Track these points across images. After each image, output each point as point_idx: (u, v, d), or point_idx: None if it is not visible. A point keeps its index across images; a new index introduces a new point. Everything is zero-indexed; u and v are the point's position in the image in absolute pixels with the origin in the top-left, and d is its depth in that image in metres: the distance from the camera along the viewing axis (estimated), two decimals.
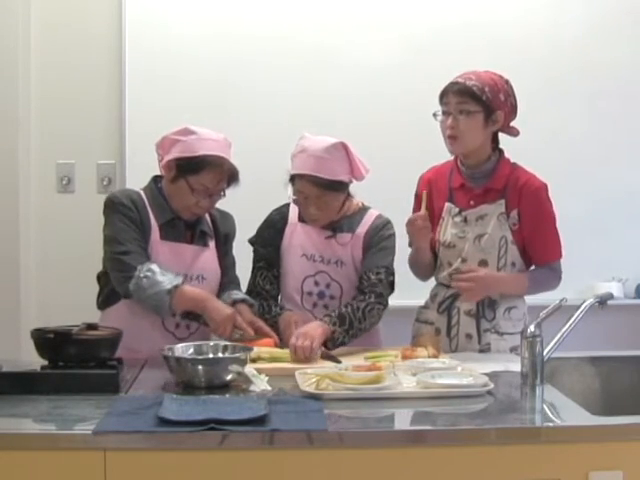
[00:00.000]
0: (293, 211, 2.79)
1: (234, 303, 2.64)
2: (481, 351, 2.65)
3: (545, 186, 2.66)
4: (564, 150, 3.67)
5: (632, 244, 3.72)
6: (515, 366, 2.28)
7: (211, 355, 2.31)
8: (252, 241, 2.81)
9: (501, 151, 2.71)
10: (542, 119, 3.55)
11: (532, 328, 2.19)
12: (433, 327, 2.74)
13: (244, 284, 2.81)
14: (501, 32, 3.64)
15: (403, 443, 1.84)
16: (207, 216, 2.73)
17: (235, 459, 1.79)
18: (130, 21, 3.56)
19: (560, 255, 2.69)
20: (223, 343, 2.36)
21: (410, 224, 2.67)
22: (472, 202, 2.67)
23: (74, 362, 2.17)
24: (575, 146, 3.69)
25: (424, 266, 2.79)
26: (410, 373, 2.24)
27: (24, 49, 3.54)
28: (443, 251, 2.73)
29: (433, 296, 2.79)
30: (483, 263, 2.65)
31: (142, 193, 2.65)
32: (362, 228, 2.74)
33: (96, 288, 2.69)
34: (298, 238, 2.75)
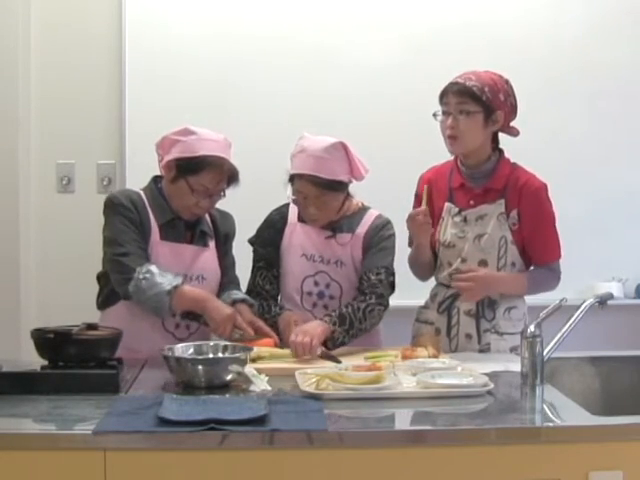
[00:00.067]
0: (293, 211, 2.78)
1: (234, 303, 2.64)
2: (481, 351, 2.65)
3: (545, 186, 2.66)
4: (564, 150, 3.66)
5: (632, 244, 3.72)
6: (515, 366, 2.28)
7: (211, 355, 2.31)
8: (252, 241, 2.81)
9: (501, 151, 2.71)
10: (542, 119, 3.55)
11: (532, 328, 2.19)
12: (433, 327, 2.74)
13: (244, 284, 2.81)
14: (501, 32, 3.63)
15: (403, 443, 1.84)
16: (207, 216, 2.73)
17: (235, 459, 1.79)
18: (130, 21, 3.56)
19: (559, 255, 2.70)
20: (223, 343, 2.36)
21: (411, 219, 2.66)
22: (472, 202, 2.67)
23: (74, 362, 2.17)
24: (575, 146, 3.69)
25: (424, 265, 2.79)
26: (410, 373, 2.24)
27: (24, 49, 3.54)
28: (443, 251, 2.73)
29: (433, 296, 2.79)
30: (483, 263, 2.65)
31: (142, 193, 2.65)
32: (362, 228, 2.74)
33: (96, 288, 2.69)
34: (298, 238, 2.75)
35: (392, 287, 2.71)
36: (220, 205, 2.72)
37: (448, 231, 2.71)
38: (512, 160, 2.71)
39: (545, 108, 3.60)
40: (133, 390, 2.15)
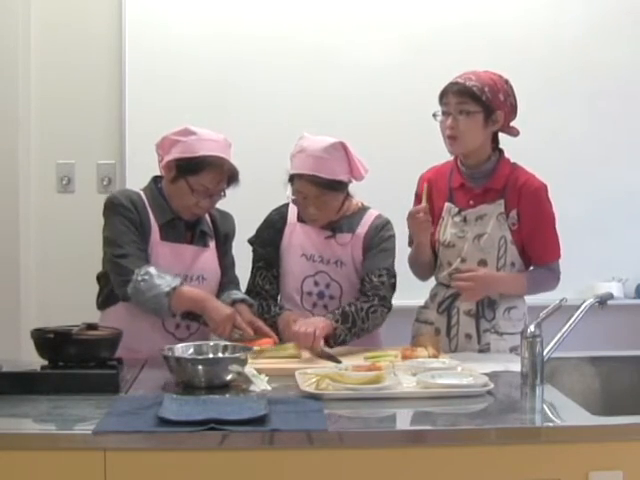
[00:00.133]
0: (292, 211, 2.78)
1: (234, 303, 2.64)
2: (481, 351, 2.65)
3: (545, 186, 2.66)
4: (564, 150, 3.66)
5: (632, 244, 3.72)
6: (515, 366, 2.28)
7: (211, 355, 2.31)
8: (251, 241, 2.81)
9: (501, 151, 2.71)
10: (542, 119, 3.55)
11: (532, 328, 2.19)
12: (433, 327, 2.74)
13: (243, 284, 2.81)
14: (501, 32, 3.63)
15: (403, 443, 1.84)
16: (207, 216, 2.73)
17: (235, 459, 1.79)
18: (130, 21, 3.56)
19: (559, 256, 2.70)
20: (223, 343, 2.36)
21: (411, 217, 2.66)
22: (472, 202, 2.67)
23: (74, 362, 2.17)
24: (575, 146, 3.69)
25: (424, 264, 2.79)
26: (410, 373, 2.24)
27: (24, 49, 3.54)
28: (443, 251, 2.73)
29: (433, 296, 2.79)
30: (482, 263, 2.65)
31: (142, 194, 2.65)
32: (362, 228, 2.74)
33: (96, 288, 2.69)
34: (297, 238, 2.75)
35: (393, 288, 2.72)
36: (220, 205, 2.72)
37: (448, 231, 2.71)
38: (512, 160, 2.71)
39: (545, 108, 3.60)
40: (133, 390, 2.15)
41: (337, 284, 2.72)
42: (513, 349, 2.61)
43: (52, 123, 3.61)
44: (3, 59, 3.49)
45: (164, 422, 1.80)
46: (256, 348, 2.39)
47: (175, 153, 2.58)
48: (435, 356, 2.45)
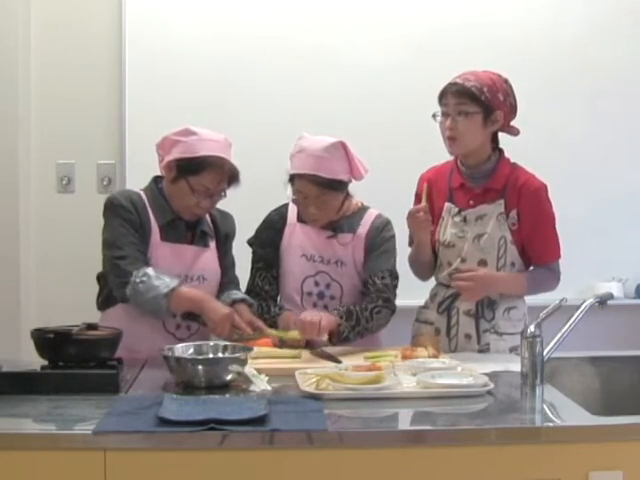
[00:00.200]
0: (292, 211, 2.78)
1: (233, 303, 2.64)
2: (480, 351, 2.65)
3: (545, 186, 2.66)
4: (564, 150, 3.66)
5: (632, 244, 3.72)
6: (515, 366, 2.28)
7: (211, 355, 2.31)
8: (250, 242, 2.81)
9: (501, 151, 2.71)
10: (542, 119, 3.55)
11: (532, 328, 2.19)
12: (433, 327, 2.74)
13: (243, 284, 2.81)
14: (501, 32, 3.63)
15: (403, 443, 1.84)
16: (207, 216, 2.73)
17: (235, 459, 1.79)
18: (130, 21, 3.56)
19: (559, 256, 2.69)
20: (223, 343, 2.36)
21: (411, 217, 2.66)
22: (472, 202, 2.67)
23: (74, 362, 2.17)
24: (575, 146, 3.69)
25: (424, 264, 2.79)
26: (410, 373, 2.24)
27: (24, 49, 3.54)
28: (443, 251, 2.73)
29: (433, 296, 2.79)
30: (482, 263, 2.65)
31: (143, 194, 2.65)
32: (363, 228, 2.74)
33: (96, 288, 2.69)
34: (297, 238, 2.74)
35: (395, 289, 2.72)
36: (220, 205, 2.72)
37: (448, 231, 2.71)
38: (512, 160, 2.71)
39: (545, 108, 3.60)
40: (133, 390, 2.15)
41: (338, 284, 2.72)
42: (513, 349, 2.61)
43: (52, 123, 3.61)
44: (3, 59, 3.49)
45: (164, 422, 1.80)
46: (255, 349, 2.38)
47: (176, 153, 2.58)
48: (435, 356, 2.45)
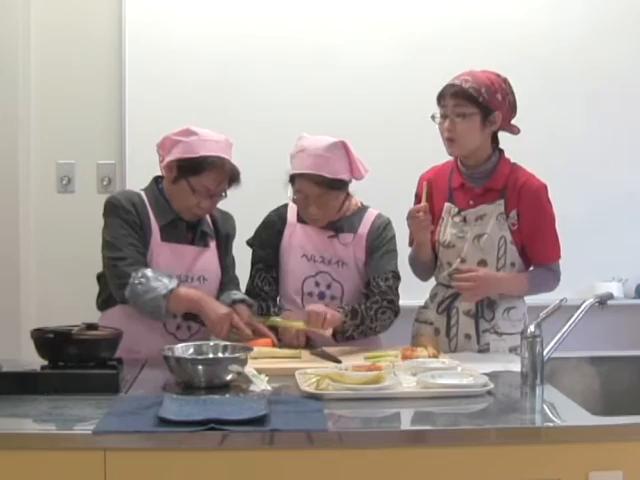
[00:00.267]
0: (291, 211, 2.78)
1: (233, 303, 2.64)
2: (480, 351, 2.65)
3: (545, 186, 2.66)
4: (564, 150, 3.67)
5: (632, 244, 3.72)
6: (515, 366, 2.28)
7: (211, 355, 2.31)
8: (250, 242, 2.81)
9: (501, 151, 2.71)
10: (542, 119, 3.55)
11: (532, 328, 2.19)
12: (432, 327, 2.74)
13: (243, 285, 2.81)
14: (501, 32, 3.64)
15: (403, 443, 1.84)
16: (208, 216, 2.73)
17: (235, 459, 1.79)
18: (130, 21, 3.56)
19: (559, 256, 2.69)
20: (223, 343, 2.36)
21: (411, 216, 2.66)
22: (471, 202, 2.67)
23: (74, 362, 2.17)
24: (575, 146, 3.69)
25: (425, 264, 2.79)
26: (410, 373, 2.24)
27: (24, 49, 3.54)
28: (442, 251, 2.73)
29: (433, 296, 2.79)
30: (482, 263, 2.65)
31: (143, 194, 2.64)
32: (364, 228, 2.74)
33: (96, 288, 2.69)
34: (298, 239, 2.74)
35: (398, 289, 2.73)
36: (221, 205, 2.72)
37: (448, 231, 2.71)
38: (512, 160, 2.71)
39: (545, 108, 3.60)
40: (133, 390, 2.15)
41: (338, 284, 2.72)
42: (512, 349, 2.61)
43: (52, 123, 3.61)
44: (3, 59, 3.49)
45: (164, 422, 1.80)
46: (255, 349, 2.38)
47: (176, 153, 2.58)
48: (435, 356, 2.45)
